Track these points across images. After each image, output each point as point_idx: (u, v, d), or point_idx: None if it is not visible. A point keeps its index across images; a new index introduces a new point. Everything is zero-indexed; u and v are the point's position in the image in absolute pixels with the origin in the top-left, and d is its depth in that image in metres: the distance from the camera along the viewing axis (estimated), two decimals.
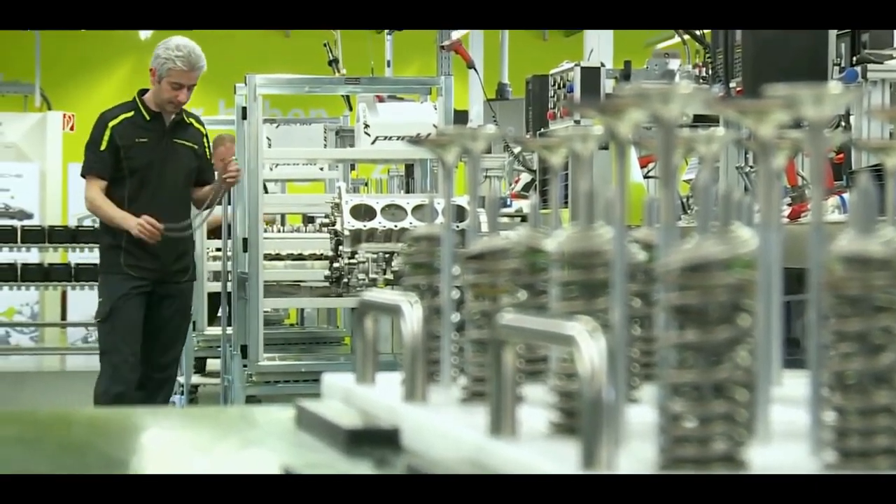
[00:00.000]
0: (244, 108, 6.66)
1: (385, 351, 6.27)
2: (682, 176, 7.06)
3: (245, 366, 6.53)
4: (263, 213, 6.80)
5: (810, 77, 4.73)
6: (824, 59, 5.17)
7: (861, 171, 4.50)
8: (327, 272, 6.50)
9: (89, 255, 11.95)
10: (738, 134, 1.70)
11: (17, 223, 13.07)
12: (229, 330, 7.19)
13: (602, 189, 1.38)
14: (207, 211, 6.75)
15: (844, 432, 1.14)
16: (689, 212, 5.83)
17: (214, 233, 8.19)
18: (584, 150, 1.48)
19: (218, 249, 7.93)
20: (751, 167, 5.32)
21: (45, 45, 15.58)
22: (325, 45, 9.40)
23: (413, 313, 1.54)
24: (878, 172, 2.46)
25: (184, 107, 6.57)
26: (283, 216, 9.74)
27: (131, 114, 6.50)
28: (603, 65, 6.68)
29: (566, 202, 5.52)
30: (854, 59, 5.12)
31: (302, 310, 10.09)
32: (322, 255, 7.22)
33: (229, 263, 7.23)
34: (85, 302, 12.49)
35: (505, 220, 6.62)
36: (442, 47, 10.17)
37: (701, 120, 5.63)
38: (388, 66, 10.54)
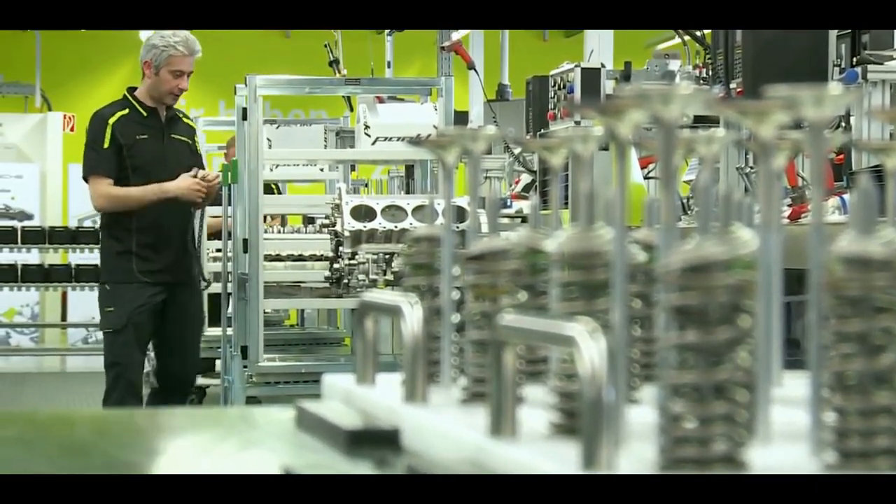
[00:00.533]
0: (244, 109, 6.65)
1: (385, 352, 6.26)
2: (683, 177, 7.06)
3: (245, 366, 6.52)
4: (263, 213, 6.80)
5: (810, 78, 4.71)
6: (824, 60, 5.16)
7: (861, 172, 4.50)
8: (327, 273, 6.49)
9: (90, 256, 11.94)
10: (739, 135, 1.70)
11: (17, 224, 13.05)
12: (229, 331, 7.19)
13: (602, 190, 1.38)
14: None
15: (845, 433, 1.14)
16: (689, 212, 5.82)
17: (215, 235, 8.19)
18: (585, 150, 1.48)
19: (218, 250, 7.92)
20: (751, 168, 5.32)
21: (45, 45, 15.58)
22: (325, 45, 9.40)
23: (413, 314, 1.54)
24: (878, 173, 2.45)
25: (173, 105, 6.55)
26: (283, 217, 9.73)
27: (127, 111, 6.43)
28: (603, 65, 6.67)
29: (566, 203, 5.54)
30: (854, 59, 5.11)
31: (302, 311, 10.08)
32: (322, 255, 7.22)
33: (229, 264, 7.23)
34: (85, 303, 12.47)
35: (505, 220, 6.62)
36: (442, 48, 10.18)
37: (701, 121, 5.63)
38: (389, 66, 10.55)
